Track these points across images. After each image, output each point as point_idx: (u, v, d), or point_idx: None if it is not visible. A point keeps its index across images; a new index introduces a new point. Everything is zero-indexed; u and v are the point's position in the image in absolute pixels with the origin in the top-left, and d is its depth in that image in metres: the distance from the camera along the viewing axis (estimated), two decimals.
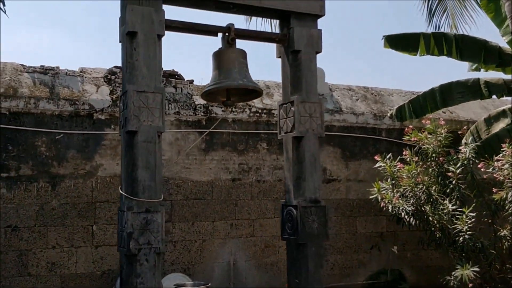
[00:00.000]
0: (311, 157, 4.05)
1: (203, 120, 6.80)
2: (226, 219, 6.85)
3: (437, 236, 6.30)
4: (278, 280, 6.94)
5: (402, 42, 7.40)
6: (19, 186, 5.94)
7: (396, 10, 24.83)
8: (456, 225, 5.90)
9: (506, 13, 7.33)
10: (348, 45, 23.89)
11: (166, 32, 3.79)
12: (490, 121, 7.44)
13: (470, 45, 7.14)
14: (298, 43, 4.08)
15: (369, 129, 7.82)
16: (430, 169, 6.44)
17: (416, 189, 6.26)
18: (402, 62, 29.86)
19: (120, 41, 3.82)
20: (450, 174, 6.19)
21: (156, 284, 3.52)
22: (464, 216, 5.83)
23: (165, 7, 3.79)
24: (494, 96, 7.50)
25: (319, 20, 4.25)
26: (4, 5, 5.59)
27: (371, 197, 6.63)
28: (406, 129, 6.71)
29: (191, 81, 6.97)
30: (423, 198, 6.27)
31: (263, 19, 8.26)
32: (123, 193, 3.59)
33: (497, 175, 6.01)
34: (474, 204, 6.03)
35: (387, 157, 6.52)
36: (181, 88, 6.84)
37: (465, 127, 7.37)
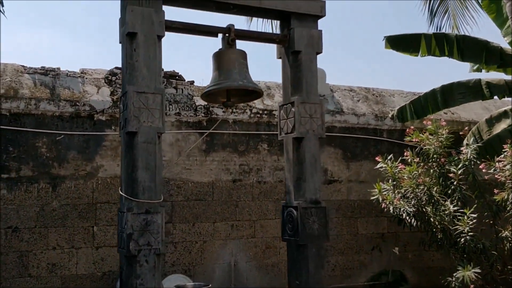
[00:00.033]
0: (312, 158, 4.05)
1: (204, 121, 6.79)
2: (227, 220, 6.84)
3: (439, 237, 6.29)
4: (279, 281, 6.93)
5: (403, 43, 7.39)
6: (19, 187, 5.93)
7: (397, 10, 24.82)
8: (457, 226, 5.89)
9: (507, 14, 7.32)
10: (349, 46, 23.91)
11: (167, 33, 3.79)
12: (491, 122, 7.42)
13: (472, 46, 7.13)
14: (298, 44, 4.08)
15: (370, 130, 7.81)
16: (431, 170, 6.43)
17: (417, 190, 6.25)
18: (403, 62, 29.82)
19: (120, 42, 3.83)
20: (451, 175, 6.18)
21: (156, 285, 3.51)
22: (465, 217, 5.82)
23: (165, 7, 3.79)
24: (495, 97, 7.49)
25: (320, 21, 4.25)
26: (2, 5, 5.59)
27: (372, 198, 6.63)
28: (407, 130, 6.70)
29: (192, 82, 6.97)
30: (424, 199, 6.26)
31: (264, 20, 8.26)
32: (123, 194, 3.59)
33: (499, 176, 6.00)
34: (475, 205, 6.02)
35: (388, 158, 6.51)
36: (182, 89, 6.83)
37: (466, 128, 7.37)
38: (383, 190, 6.49)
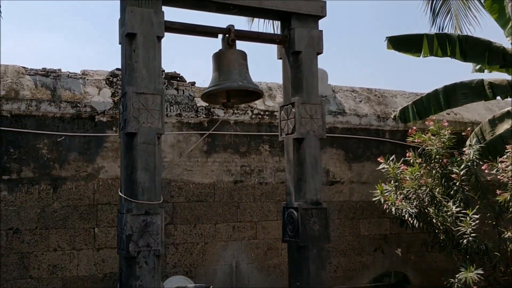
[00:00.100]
0: (312, 159, 4.03)
1: (205, 122, 6.78)
2: (228, 221, 6.83)
3: (441, 238, 6.26)
4: (281, 282, 6.90)
5: (405, 43, 7.35)
6: (20, 188, 5.93)
7: (399, 11, 24.77)
8: (460, 227, 5.86)
9: (509, 14, 7.28)
10: (351, 47, 23.87)
11: (168, 34, 3.79)
12: (494, 122, 7.39)
13: (474, 46, 7.09)
14: (298, 44, 4.07)
15: (372, 130, 7.78)
16: (433, 171, 6.40)
17: (419, 191, 6.22)
18: (405, 63, 29.77)
19: (119, 43, 3.82)
20: (453, 175, 6.15)
21: (156, 286, 3.50)
22: (468, 218, 5.79)
23: (164, 8, 3.79)
24: (498, 97, 7.45)
25: (321, 21, 4.24)
26: None
27: (374, 199, 6.60)
28: (409, 131, 6.67)
29: (193, 83, 6.96)
30: (426, 200, 6.23)
31: (265, 20, 8.26)
32: (122, 195, 3.58)
33: (501, 176, 5.96)
34: (478, 206, 5.99)
35: (391, 159, 6.49)
36: (183, 90, 6.82)
37: (469, 129, 7.33)
38: (385, 191, 6.46)
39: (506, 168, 5.93)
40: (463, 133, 7.02)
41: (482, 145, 6.56)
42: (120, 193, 3.62)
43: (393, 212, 6.43)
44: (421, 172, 6.29)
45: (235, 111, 6.86)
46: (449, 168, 6.24)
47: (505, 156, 6.02)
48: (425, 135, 6.45)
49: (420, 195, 6.24)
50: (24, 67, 6.35)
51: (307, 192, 3.98)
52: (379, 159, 6.57)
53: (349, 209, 7.55)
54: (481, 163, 6.19)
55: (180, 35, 4.06)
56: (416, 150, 6.56)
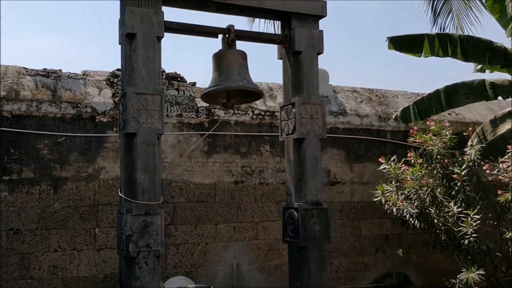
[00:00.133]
0: (313, 159, 4.01)
1: (205, 122, 6.77)
2: (229, 222, 6.82)
3: (442, 238, 6.25)
4: (282, 283, 6.89)
5: (406, 44, 7.33)
6: (21, 189, 5.93)
7: (400, 11, 24.76)
8: (461, 228, 5.84)
9: (511, 14, 7.26)
10: (353, 47, 23.85)
11: (169, 34, 3.79)
12: (496, 122, 7.36)
13: (475, 46, 7.07)
14: (299, 44, 4.05)
15: (373, 131, 7.77)
16: (435, 171, 6.38)
17: (420, 191, 6.21)
18: (407, 63, 29.74)
19: (119, 43, 3.81)
20: (455, 176, 6.13)
21: (156, 287, 3.49)
22: (469, 219, 5.77)
23: (164, 8, 3.78)
24: (499, 98, 7.43)
25: (322, 22, 4.23)
26: None
27: (375, 199, 6.58)
28: (411, 131, 6.66)
29: (194, 84, 6.95)
30: (428, 200, 6.22)
31: (267, 20, 8.24)
32: (122, 196, 3.57)
33: (502, 177, 5.95)
34: (479, 207, 5.97)
35: (392, 159, 6.47)
36: (184, 91, 6.82)
37: (470, 129, 7.31)
38: (386, 191, 6.45)
39: (508, 168, 5.91)
40: (464, 133, 7.00)
41: (484, 145, 6.54)
42: (120, 194, 3.61)
43: (394, 213, 6.42)
44: (422, 173, 6.27)
45: (236, 111, 6.85)
46: (451, 168, 6.22)
47: (506, 156, 6.00)
48: (426, 135, 6.44)
49: (421, 195, 6.23)
50: (24, 68, 6.35)
51: (308, 193, 3.96)
52: (380, 159, 6.55)
53: (350, 210, 7.54)
54: (482, 163, 6.18)
55: (180, 36, 4.05)
56: (417, 150, 6.54)
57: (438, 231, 6.24)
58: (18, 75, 6.23)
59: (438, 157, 6.34)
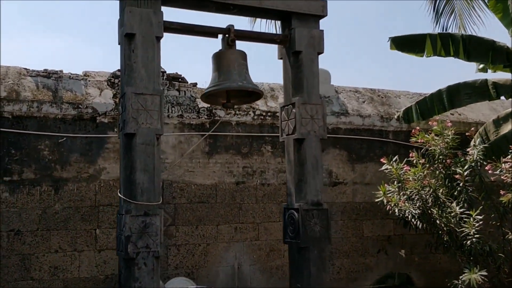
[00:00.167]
0: (313, 159, 3.99)
1: (206, 123, 6.76)
2: (230, 222, 6.80)
3: (445, 239, 6.22)
4: (283, 284, 6.86)
5: (408, 44, 7.31)
6: (22, 190, 5.92)
7: (402, 11, 24.70)
8: (463, 228, 5.81)
9: None
10: (355, 47, 23.81)
11: (170, 35, 3.77)
12: (498, 122, 7.33)
13: (478, 46, 7.05)
14: (299, 44, 4.03)
15: (375, 131, 7.74)
16: (437, 172, 6.36)
17: (422, 191, 6.18)
18: (409, 63, 29.68)
19: (119, 43, 3.80)
20: (457, 176, 6.11)
21: None
22: (471, 219, 5.74)
23: (164, 8, 3.77)
24: (502, 97, 7.40)
25: (324, 22, 4.21)
26: None
27: (376, 200, 6.56)
28: (413, 131, 6.63)
29: (195, 84, 6.94)
30: (430, 201, 6.19)
31: (268, 20, 8.22)
32: (122, 196, 3.56)
33: (505, 177, 5.91)
34: (481, 207, 5.94)
35: (394, 159, 6.45)
36: (185, 91, 6.80)
37: (472, 129, 7.28)
38: (388, 192, 6.42)
39: (510, 169, 5.88)
40: (467, 134, 6.97)
41: (486, 146, 6.51)
42: (119, 194, 3.60)
43: (396, 213, 6.40)
44: (424, 173, 6.25)
45: (237, 112, 6.83)
46: (453, 168, 6.20)
47: (509, 157, 5.97)
48: (429, 135, 6.41)
49: (423, 196, 6.20)
50: (25, 69, 6.35)
51: (308, 193, 3.94)
52: (382, 159, 6.53)
53: (352, 210, 7.51)
54: (485, 163, 6.15)
55: (181, 36, 4.04)
56: (419, 150, 6.52)
57: (440, 232, 6.22)
58: (19, 76, 6.23)
59: (441, 157, 6.31)
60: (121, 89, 3.74)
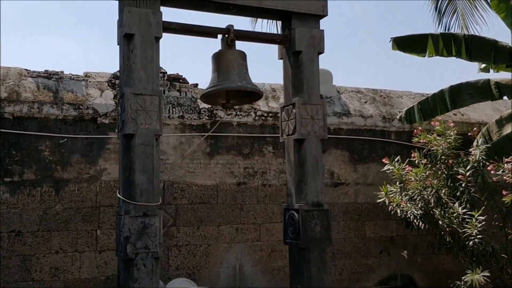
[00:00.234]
0: (313, 160, 3.97)
1: (207, 124, 6.74)
2: (231, 223, 6.78)
3: (447, 240, 6.19)
4: (285, 285, 6.84)
5: (410, 44, 7.27)
6: (22, 190, 5.92)
7: (404, 11, 24.65)
8: (466, 229, 5.78)
9: None
10: (357, 47, 23.77)
11: (172, 36, 3.75)
12: (501, 122, 7.28)
13: (480, 46, 7.00)
14: (299, 44, 4.01)
15: (378, 131, 7.71)
16: (439, 172, 6.32)
17: (424, 192, 6.15)
18: (411, 63, 29.63)
19: (118, 44, 3.79)
20: (459, 176, 6.07)
21: None
22: (473, 220, 5.71)
23: (163, 9, 3.75)
24: (505, 97, 7.36)
25: (326, 22, 4.20)
26: None
27: (378, 201, 6.53)
28: (415, 131, 6.60)
29: (196, 85, 6.93)
30: (432, 201, 6.16)
31: (269, 20, 8.20)
32: (121, 197, 3.54)
33: (507, 177, 5.88)
34: (484, 208, 5.90)
35: (396, 160, 6.42)
36: (186, 92, 6.80)
37: (475, 129, 7.24)
38: (390, 192, 6.39)
39: None
40: (469, 134, 6.93)
41: (489, 146, 6.48)
42: (118, 195, 3.58)
43: (399, 214, 6.37)
44: (427, 173, 6.22)
45: (238, 112, 6.82)
46: (455, 169, 6.17)
47: (511, 157, 5.93)
48: (431, 135, 6.38)
49: (426, 196, 6.18)
50: (26, 69, 6.35)
51: (308, 194, 3.92)
52: (384, 160, 6.50)
53: (354, 211, 7.48)
54: (487, 164, 6.11)
55: (182, 37, 4.03)
56: (421, 150, 6.49)
57: (442, 233, 6.19)
58: (19, 76, 6.23)
59: (443, 157, 6.28)
60: (120, 89, 3.73)
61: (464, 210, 5.88)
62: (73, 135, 6.17)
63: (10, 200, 5.86)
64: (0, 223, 5.80)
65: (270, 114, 7.03)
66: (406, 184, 6.28)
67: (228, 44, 3.95)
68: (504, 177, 5.92)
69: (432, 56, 7.17)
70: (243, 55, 4.02)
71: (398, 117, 7.69)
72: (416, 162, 6.35)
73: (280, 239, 6.88)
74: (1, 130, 5.86)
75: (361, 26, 24.16)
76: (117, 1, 3.80)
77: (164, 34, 3.69)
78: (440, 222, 6.09)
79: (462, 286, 5.65)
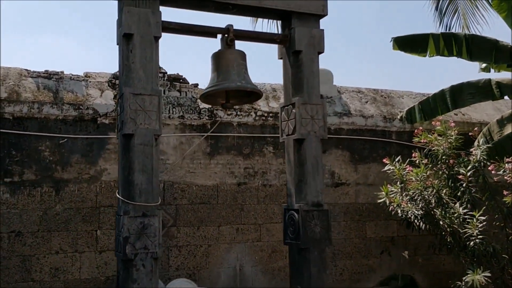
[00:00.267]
0: (313, 160, 3.96)
1: (208, 124, 6.73)
2: (232, 223, 6.77)
3: (448, 240, 6.17)
4: (285, 285, 6.83)
5: (411, 44, 7.26)
6: (22, 191, 5.91)
7: (405, 10, 24.63)
8: (467, 229, 5.76)
9: None
10: (357, 47, 23.75)
11: (171, 36, 3.73)
12: (502, 122, 7.27)
13: (481, 45, 6.98)
14: (299, 44, 4.00)
15: (378, 131, 7.70)
16: (440, 172, 6.31)
17: (425, 192, 6.13)
18: (412, 63, 29.60)
19: (117, 44, 3.78)
20: (460, 176, 6.06)
21: None
22: (474, 220, 5.69)
23: (163, 8, 3.75)
24: (506, 97, 7.34)
25: (327, 22, 4.19)
26: None
27: (379, 201, 6.52)
28: (415, 131, 6.59)
29: (196, 85, 6.92)
30: (433, 201, 6.14)
31: (270, 20, 8.19)
32: (120, 197, 3.53)
33: (508, 177, 5.86)
34: (485, 208, 5.89)
35: (396, 160, 6.41)
36: (186, 92, 6.79)
37: (476, 129, 7.22)
38: (391, 192, 6.38)
39: None
40: (470, 134, 6.91)
41: (490, 146, 6.46)
42: (117, 195, 3.57)
43: (399, 214, 6.36)
44: (427, 173, 6.20)
45: (239, 112, 6.81)
46: (456, 169, 6.15)
47: None
48: (432, 135, 6.36)
49: (426, 196, 6.16)
50: (26, 69, 6.35)
51: (308, 194, 3.91)
52: (385, 160, 6.49)
53: (355, 211, 7.47)
54: (488, 164, 6.09)
55: (183, 37, 4.02)
56: (422, 151, 6.47)
57: (443, 233, 6.17)
58: (19, 77, 6.23)
59: (444, 157, 6.26)
60: (119, 89, 3.72)
61: (465, 210, 5.86)
62: (73, 135, 6.16)
63: (10, 201, 5.85)
64: (0, 224, 5.79)
65: (271, 114, 7.02)
66: (407, 184, 6.27)
67: (228, 43, 3.94)
68: (505, 177, 5.90)
69: (433, 56, 7.16)
70: (242, 55, 4.01)
71: (399, 117, 7.68)
72: (417, 162, 6.33)
73: (280, 239, 6.86)
74: (1, 130, 5.85)
75: (362, 26, 24.15)
76: (117, 1, 3.79)
77: (163, 34, 3.68)
78: (441, 223, 6.07)
79: (463, 287, 5.63)
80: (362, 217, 7.49)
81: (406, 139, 7.68)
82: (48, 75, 6.36)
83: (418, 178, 6.15)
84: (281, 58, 4.23)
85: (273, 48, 4.38)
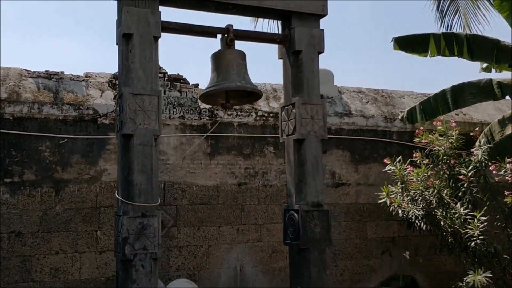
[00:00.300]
0: (313, 160, 3.95)
1: (208, 124, 6.72)
2: (232, 224, 6.76)
3: (449, 241, 6.16)
4: (286, 286, 6.81)
5: (412, 43, 7.25)
6: (22, 191, 5.91)
7: (406, 10, 24.61)
8: (468, 230, 5.74)
9: None
10: (358, 47, 23.72)
11: (171, 36, 3.73)
12: (504, 122, 7.26)
13: (482, 45, 6.97)
14: (299, 44, 4.00)
15: (379, 132, 7.68)
16: (441, 172, 6.29)
17: (426, 192, 6.12)
18: (413, 63, 29.58)
19: (117, 44, 3.78)
20: (461, 177, 6.04)
21: None
22: (475, 220, 5.68)
23: (163, 8, 3.74)
24: (507, 97, 7.32)
25: (327, 21, 4.17)
26: None
27: (380, 201, 6.51)
28: (416, 131, 6.57)
29: (196, 85, 6.91)
30: (434, 201, 6.13)
31: (270, 20, 8.19)
32: (119, 197, 3.53)
33: (509, 177, 5.85)
34: (486, 208, 5.87)
35: (397, 160, 6.39)
36: (186, 92, 6.78)
37: (477, 129, 7.21)
38: (391, 193, 6.36)
39: None
40: (471, 134, 6.89)
41: (491, 146, 6.45)
42: (117, 195, 3.57)
43: (400, 214, 6.34)
44: (428, 174, 6.19)
45: (239, 112, 6.80)
46: (457, 169, 6.14)
47: None
48: (433, 135, 6.35)
49: (427, 196, 6.15)
50: (26, 70, 6.34)
51: (308, 194, 3.90)
52: (385, 160, 6.47)
53: (356, 212, 7.45)
54: (490, 164, 6.08)
55: (183, 37, 4.01)
56: (423, 151, 6.46)
57: (444, 233, 6.15)
58: (19, 77, 6.22)
59: (445, 157, 6.25)
60: (119, 89, 3.71)
61: (466, 211, 5.85)
62: (73, 136, 6.15)
63: (10, 201, 5.85)
64: (0, 224, 5.79)
65: (271, 114, 7.01)
66: (408, 185, 6.25)
67: (228, 43, 3.94)
68: (506, 177, 5.89)
69: (434, 56, 7.15)
70: (242, 55, 4.01)
71: (399, 117, 7.67)
72: (418, 162, 6.32)
73: (281, 239, 6.82)
74: (1, 130, 5.85)
75: (363, 26, 24.13)
76: (116, 1, 3.79)
77: (163, 34, 3.68)
78: (442, 223, 6.06)
79: (464, 287, 5.61)
80: (363, 218, 7.48)
81: (407, 139, 7.66)
82: (48, 75, 6.35)
83: (419, 178, 6.13)
84: (281, 58, 4.23)
85: (273, 48, 4.37)
